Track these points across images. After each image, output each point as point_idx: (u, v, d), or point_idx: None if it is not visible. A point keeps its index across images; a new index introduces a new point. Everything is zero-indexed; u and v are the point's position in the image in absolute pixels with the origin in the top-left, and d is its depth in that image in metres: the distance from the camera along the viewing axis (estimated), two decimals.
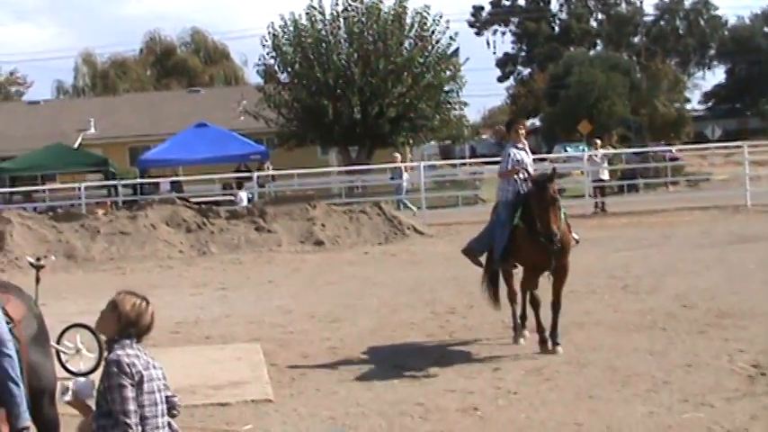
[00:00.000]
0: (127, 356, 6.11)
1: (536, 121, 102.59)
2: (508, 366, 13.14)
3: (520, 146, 14.47)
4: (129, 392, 6.03)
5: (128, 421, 5.99)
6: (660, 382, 11.90)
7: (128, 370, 6.06)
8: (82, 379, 6.92)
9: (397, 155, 43.47)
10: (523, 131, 14.75)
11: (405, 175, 40.26)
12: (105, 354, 6.27)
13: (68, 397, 6.31)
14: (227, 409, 11.72)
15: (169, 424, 6.36)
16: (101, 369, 11.81)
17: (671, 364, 12.74)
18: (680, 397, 11.23)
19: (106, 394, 6.07)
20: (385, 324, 16.52)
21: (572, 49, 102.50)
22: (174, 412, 6.50)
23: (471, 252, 15.06)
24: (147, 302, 6.36)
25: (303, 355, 14.44)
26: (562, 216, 13.77)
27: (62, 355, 13.67)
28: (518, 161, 14.24)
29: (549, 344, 13.78)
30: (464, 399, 11.73)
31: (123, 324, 6.24)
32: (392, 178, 41.84)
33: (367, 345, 14.93)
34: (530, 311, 14.40)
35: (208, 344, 15.72)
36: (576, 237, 14.54)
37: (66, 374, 12.98)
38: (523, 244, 13.91)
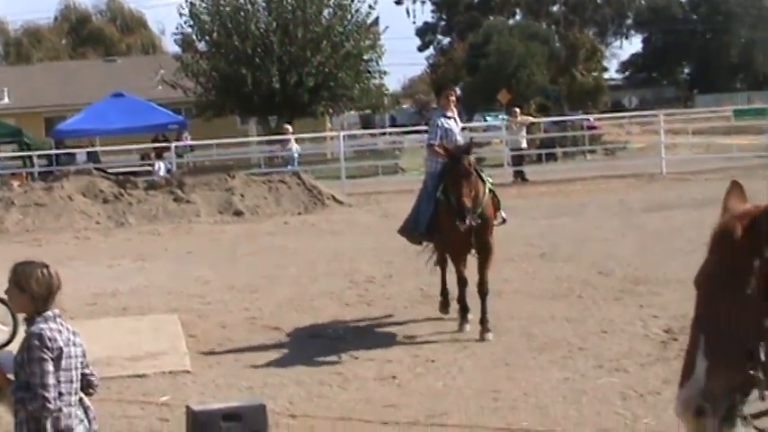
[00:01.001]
0: (49, 330, 6.04)
1: (456, 91, 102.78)
2: (426, 335, 13.21)
3: (449, 114, 13.90)
4: (50, 366, 5.97)
5: (46, 395, 5.93)
6: (576, 349, 12.05)
7: (48, 344, 5.99)
8: (2, 350, 6.85)
9: (288, 126, 43.25)
10: (453, 98, 14.18)
11: (294, 146, 40.07)
12: (25, 326, 6.17)
13: None
14: (145, 381, 11.66)
15: (81, 400, 6.30)
16: (15, 341, 11.69)
17: (587, 330, 12.89)
18: (595, 363, 11.38)
19: (25, 366, 6.00)
20: (304, 294, 16.50)
21: (491, 18, 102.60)
22: (91, 390, 6.44)
23: (407, 231, 14.34)
24: (47, 266, 6.27)
25: (221, 325, 14.39)
26: (487, 191, 13.32)
27: None
28: (447, 130, 13.65)
29: (480, 330, 12.98)
30: (382, 367, 11.78)
31: (38, 301, 6.16)
32: (282, 150, 41.46)
33: (286, 315, 14.91)
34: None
35: (125, 315, 15.58)
36: (503, 215, 14.07)
37: None
38: (444, 219, 13.22)
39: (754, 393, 4.10)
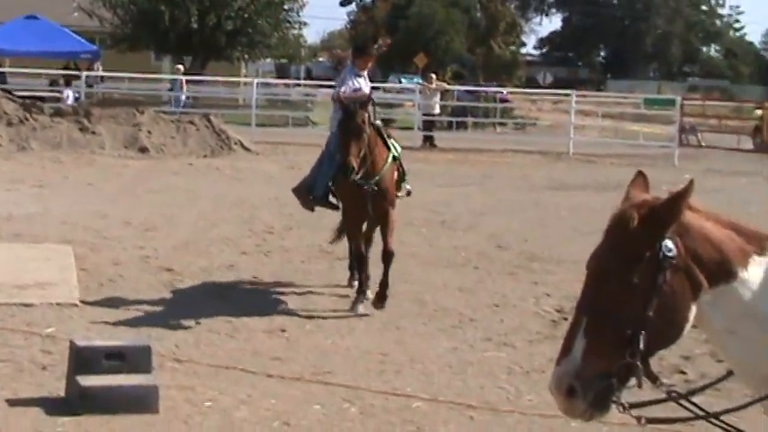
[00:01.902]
0: None
1: (375, 56, 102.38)
2: (319, 292, 13.19)
3: (361, 73, 13.17)
4: None
5: None
6: (466, 320, 12.12)
7: None
8: None
9: (180, 66, 42.73)
10: (370, 63, 13.63)
11: (184, 89, 39.74)
12: None
13: None
14: (31, 310, 11.49)
15: None
16: None
17: (479, 302, 12.97)
18: (484, 335, 11.46)
19: None
20: (201, 238, 16.39)
21: None
22: None
23: (300, 193, 13.34)
24: None
25: (114, 261, 14.24)
26: (389, 159, 12.60)
27: None
28: (356, 89, 12.77)
29: (374, 299, 12.36)
30: (272, 320, 11.74)
31: None
32: (171, 89, 41.09)
33: (180, 257, 14.80)
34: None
35: (17, 241, 15.34)
36: (407, 187, 13.37)
37: None
38: (341, 183, 12.49)
39: (633, 381, 4.15)
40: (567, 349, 4.11)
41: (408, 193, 13.54)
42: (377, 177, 12.34)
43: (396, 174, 12.92)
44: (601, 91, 78.35)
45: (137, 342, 9.08)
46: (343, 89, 12.76)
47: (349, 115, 12.08)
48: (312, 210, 13.62)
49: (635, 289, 4.06)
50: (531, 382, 9.81)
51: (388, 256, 12.54)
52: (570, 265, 14.85)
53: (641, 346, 4.05)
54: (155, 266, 14.11)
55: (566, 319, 12.05)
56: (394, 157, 12.81)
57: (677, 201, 4.13)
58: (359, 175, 12.03)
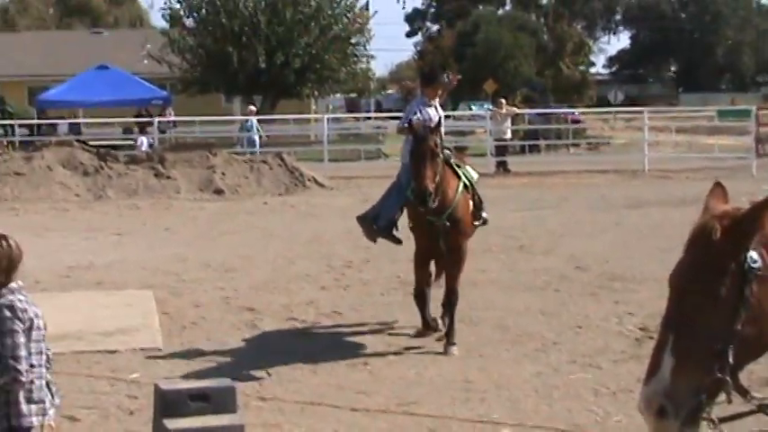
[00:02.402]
0: (19, 302, 5.96)
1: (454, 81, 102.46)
2: (400, 323, 13.13)
3: (430, 103, 12.58)
4: (22, 338, 5.89)
5: (18, 367, 5.85)
6: (550, 343, 12.01)
7: (21, 315, 5.92)
8: None
9: (252, 107, 43.00)
10: (442, 94, 13.07)
11: (259, 129, 39.88)
12: None
13: None
14: (115, 357, 11.58)
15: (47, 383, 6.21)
16: None
17: (561, 325, 12.85)
18: (568, 358, 11.34)
19: None
20: (280, 276, 16.43)
21: (481, 7, 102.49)
22: (48, 365, 6.34)
23: (365, 222, 12.82)
24: (5, 237, 6.15)
25: (195, 304, 14.31)
26: (460, 187, 11.94)
27: None
28: (426, 119, 12.05)
29: (444, 343, 11.88)
30: (355, 354, 11.72)
31: (5, 273, 6.06)
32: (241, 129, 41.24)
33: (260, 296, 14.85)
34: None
35: (99, 289, 15.49)
36: (484, 216, 12.60)
37: None
38: (413, 217, 12.04)
39: (722, 396, 4.06)
40: (654, 368, 4.02)
41: (485, 222, 12.78)
42: (449, 210, 11.71)
43: (471, 203, 12.28)
44: (673, 106, 77.69)
45: (221, 383, 9.06)
46: (414, 118, 12.09)
47: (420, 140, 11.54)
48: (374, 241, 13.09)
49: (721, 303, 3.97)
50: (618, 402, 9.68)
51: (452, 297, 12.05)
52: (652, 283, 14.68)
53: (730, 360, 3.96)
54: (235, 307, 14.15)
55: (650, 337, 11.89)
56: (465, 185, 12.16)
57: (760, 210, 4.03)
58: (434, 203, 11.38)
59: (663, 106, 68.87)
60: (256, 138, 38.58)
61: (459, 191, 11.94)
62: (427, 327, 12.31)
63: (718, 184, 4.42)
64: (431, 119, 12.18)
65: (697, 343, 3.96)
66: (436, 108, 12.64)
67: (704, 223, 4.14)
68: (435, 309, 12.53)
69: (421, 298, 12.27)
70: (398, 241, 12.71)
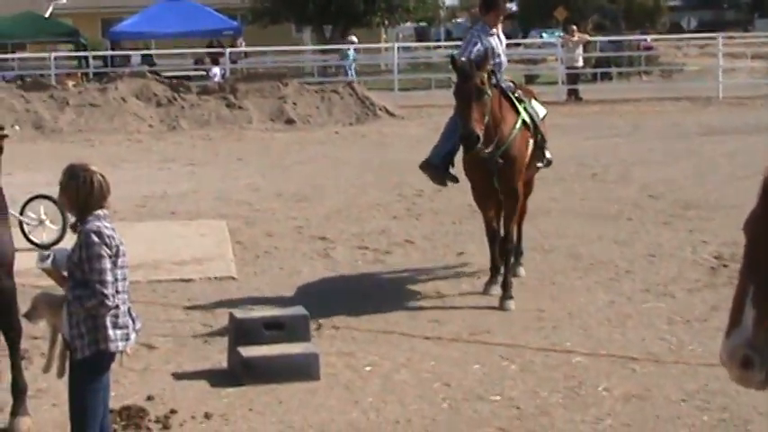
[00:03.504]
0: (106, 228, 6.03)
1: (512, 6, 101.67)
2: (471, 250, 13.13)
3: (492, 31, 11.63)
4: (108, 263, 5.96)
5: (105, 291, 5.92)
6: (623, 272, 11.98)
7: (108, 241, 5.98)
8: (61, 247, 6.85)
9: (353, 38, 42.90)
10: (502, 17, 12.07)
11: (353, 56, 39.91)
12: (80, 225, 6.13)
13: (48, 263, 6.24)
14: (190, 285, 11.73)
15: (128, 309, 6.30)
16: (64, 241, 11.78)
17: (635, 253, 12.80)
18: (642, 287, 11.31)
19: (83, 264, 5.98)
20: (351, 204, 16.49)
21: None
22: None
23: (430, 166, 11.96)
24: (89, 169, 6.20)
25: (268, 233, 14.41)
26: (518, 123, 11.14)
27: (25, 226, 13.58)
28: (487, 49, 11.08)
29: (500, 295, 11.00)
30: (426, 283, 11.80)
31: (81, 203, 6.13)
32: (343, 58, 41.29)
33: (333, 225, 14.92)
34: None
35: (173, 219, 15.67)
36: (548, 156, 11.90)
37: (29, 245, 12.92)
38: (465, 156, 11.06)
39: None
40: (736, 319, 3.96)
41: (549, 163, 12.05)
42: (503, 147, 10.86)
43: (531, 141, 11.43)
44: (748, 31, 76.37)
45: (294, 311, 9.17)
46: (468, 52, 11.16)
47: (464, 77, 10.53)
48: (444, 184, 12.19)
49: None
50: (692, 331, 9.65)
51: (506, 246, 11.22)
52: (728, 210, 14.59)
53: None
54: (308, 236, 14.24)
55: (725, 266, 11.84)
56: (524, 122, 11.27)
57: None
58: (488, 149, 10.62)
59: (738, 32, 67.74)
60: (352, 67, 38.59)
61: (516, 127, 11.10)
62: (496, 269, 11.40)
63: None
64: (492, 48, 11.28)
65: None
66: (499, 37, 11.74)
67: None
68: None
69: (493, 235, 11.45)
70: (456, 179, 11.88)
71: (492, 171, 10.90)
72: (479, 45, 11.23)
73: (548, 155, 11.88)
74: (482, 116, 10.42)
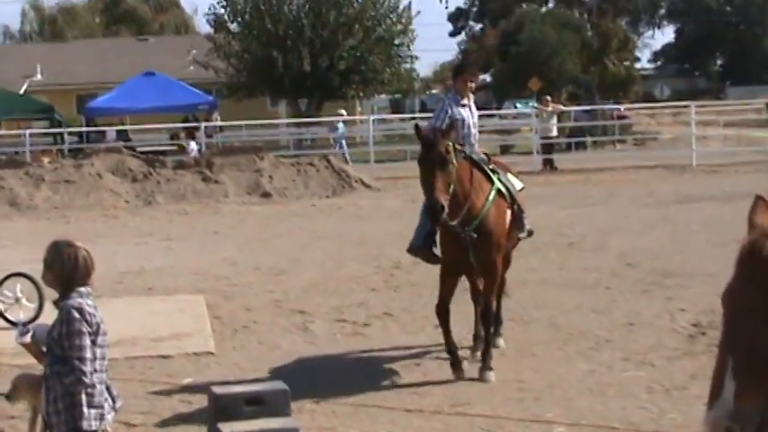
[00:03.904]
0: (87, 305, 6.03)
1: (487, 77, 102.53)
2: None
3: (464, 102, 11.24)
4: (87, 340, 5.96)
5: (83, 368, 5.91)
6: (602, 341, 11.96)
7: (89, 319, 5.99)
8: (41, 323, 6.83)
9: (342, 111, 43.22)
10: (473, 84, 11.48)
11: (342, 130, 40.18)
12: (62, 301, 6.13)
13: (27, 338, 6.21)
14: (168, 362, 11.66)
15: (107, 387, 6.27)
16: (40, 319, 11.70)
17: (613, 322, 12.80)
18: (621, 355, 11.29)
19: (62, 340, 5.98)
20: (329, 278, 16.47)
21: (524, 5, 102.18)
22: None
23: (415, 248, 11.53)
24: (76, 248, 6.23)
25: (247, 307, 14.37)
26: (492, 194, 10.68)
27: (0, 305, 13.50)
28: (457, 120, 10.88)
29: (479, 367, 10.76)
30: (407, 354, 11.73)
31: (65, 279, 6.14)
32: (332, 132, 41.55)
33: (311, 298, 14.89)
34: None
35: (151, 295, 15.61)
36: (528, 227, 11.41)
37: (5, 324, 12.84)
38: (440, 231, 10.75)
39: None
40: (717, 392, 3.96)
41: (530, 234, 11.58)
42: (476, 221, 10.45)
43: (508, 212, 11.00)
44: (720, 99, 77.13)
45: (275, 386, 9.10)
46: (439, 123, 10.83)
47: (428, 145, 10.19)
48: (436, 262, 11.40)
49: None
50: (672, 400, 9.63)
51: (487, 314, 10.85)
52: (705, 278, 14.62)
53: None
54: (286, 309, 14.20)
55: (704, 333, 11.85)
56: (499, 191, 10.83)
57: None
58: (453, 221, 10.22)
59: (710, 100, 68.38)
60: (344, 140, 38.76)
61: (490, 198, 10.65)
62: (450, 346, 10.87)
63: (759, 198, 4.33)
64: (463, 119, 11.02)
65: (757, 364, 3.90)
66: (471, 108, 11.27)
67: (752, 241, 4.07)
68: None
69: (442, 314, 10.90)
70: (439, 259, 11.24)
71: (466, 246, 10.47)
72: (449, 113, 10.94)
73: (528, 226, 11.44)
74: (447, 186, 10.05)
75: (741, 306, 3.97)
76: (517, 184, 11.50)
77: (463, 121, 11.04)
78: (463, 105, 11.19)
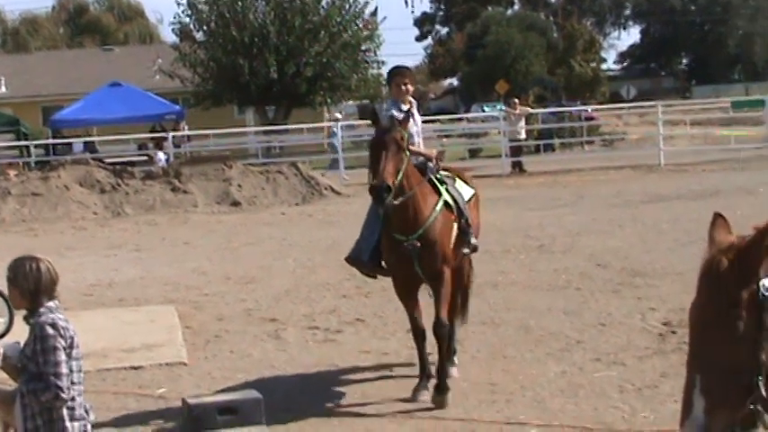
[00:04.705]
0: (59, 319, 6.03)
1: (454, 81, 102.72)
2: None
3: (404, 107, 10.38)
4: (63, 355, 5.95)
5: (59, 384, 5.90)
6: (573, 342, 12.00)
7: (63, 333, 5.99)
8: (10, 341, 6.82)
9: (339, 115, 43.33)
10: (409, 87, 10.58)
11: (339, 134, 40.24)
12: (33, 318, 6.11)
13: None
14: (141, 373, 11.63)
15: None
16: (10, 334, 11.64)
17: (584, 323, 12.84)
18: (592, 356, 11.33)
19: (37, 357, 5.97)
20: (301, 285, 16.46)
21: (490, 9, 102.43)
22: None
23: (353, 260, 10.94)
24: (36, 259, 6.23)
25: (218, 317, 14.35)
26: (439, 205, 10.14)
27: None
28: (405, 113, 10.22)
29: (434, 385, 10.07)
30: (378, 359, 11.74)
31: (30, 295, 6.13)
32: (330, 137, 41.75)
33: (282, 306, 14.88)
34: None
35: (121, 306, 15.55)
36: (473, 242, 10.64)
37: None
38: (384, 241, 10.28)
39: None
40: (687, 409, 4.00)
41: (474, 249, 10.78)
42: (421, 229, 9.90)
43: (455, 225, 10.36)
44: (686, 99, 77.54)
45: (247, 395, 9.11)
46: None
47: (382, 130, 9.86)
48: (374, 276, 11.10)
49: (742, 336, 3.94)
50: (644, 398, 9.68)
51: (439, 329, 10.05)
52: (674, 277, 14.70)
53: (762, 391, 3.94)
54: (258, 318, 14.19)
55: (674, 332, 11.91)
56: (446, 203, 10.27)
57: (764, 236, 3.99)
58: (396, 200, 9.68)
59: (676, 100, 68.72)
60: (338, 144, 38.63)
61: (437, 209, 10.09)
62: (424, 370, 10.34)
63: (718, 215, 4.37)
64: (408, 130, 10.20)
65: (724, 380, 3.94)
66: (412, 115, 10.35)
67: (710, 258, 4.11)
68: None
69: (419, 336, 10.34)
70: (380, 271, 10.76)
71: (411, 257, 9.92)
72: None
73: (473, 241, 10.65)
74: (395, 171, 9.59)
75: (705, 323, 4.01)
76: (466, 192, 10.83)
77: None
78: (403, 111, 10.28)
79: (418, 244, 9.86)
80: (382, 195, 9.49)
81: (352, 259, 10.86)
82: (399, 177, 9.67)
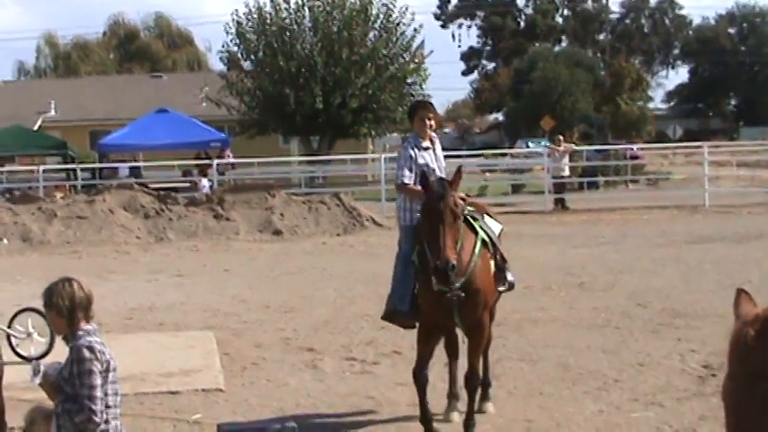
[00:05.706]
0: (97, 343, 6.08)
1: (499, 116, 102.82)
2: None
3: (425, 144, 10.20)
4: (99, 379, 6.00)
5: (93, 407, 5.94)
6: (611, 381, 11.93)
7: (99, 357, 6.03)
8: (52, 361, 6.87)
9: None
10: (432, 122, 10.28)
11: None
12: (71, 341, 6.17)
13: (39, 379, 6.26)
14: (177, 398, 11.66)
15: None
16: (52, 354, 11.73)
17: (623, 362, 12.77)
18: (630, 396, 11.26)
19: (73, 379, 6.02)
20: (339, 315, 16.47)
21: (537, 44, 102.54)
22: None
23: (391, 314, 10.40)
24: (70, 280, 6.29)
25: (256, 344, 14.38)
26: (478, 246, 9.67)
27: (12, 339, 13.53)
28: (421, 165, 9.99)
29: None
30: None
31: (68, 312, 6.18)
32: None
33: (320, 336, 14.89)
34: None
35: (161, 331, 15.62)
36: (510, 278, 10.38)
37: (16, 359, 12.86)
38: (421, 290, 9.68)
39: None
40: None
41: (511, 287, 10.50)
42: (463, 278, 9.35)
43: (492, 263, 10.04)
44: (734, 140, 77.18)
45: (282, 423, 9.11)
46: (409, 176, 9.96)
47: (436, 197, 9.19)
48: (414, 327, 10.34)
49: None
50: None
51: (472, 380, 9.85)
52: (715, 319, 14.59)
53: None
54: (295, 347, 14.20)
55: (713, 375, 11.81)
56: (484, 242, 9.87)
57: None
58: (458, 282, 9.22)
59: (723, 141, 68.42)
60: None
61: (476, 252, 9.63)
62: (426, 415, 10.00)
63: (741, 291, 4.34)
64: (427, 164, 10.05)
65: None
66: (435, 151, 10.26)
67: (737, 332, 4.06)
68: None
69: (420, 379, 9.96)
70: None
71: (451, 307, 9.41)
72: (413, 159, 10.02)
73: (510, 277, 10.37)
74: (455, 243, 9.10)
75: (738, 398, 3.97)
76: (495, 227, 10.51)
77: (427, 166, 10.02)
78: (425, 148, 10.17)
79: (463, 294, 9.35)
80: (449, 276, 9.01)
81: (391, 314, 10.32)
82: (459, 246, 9.22)
